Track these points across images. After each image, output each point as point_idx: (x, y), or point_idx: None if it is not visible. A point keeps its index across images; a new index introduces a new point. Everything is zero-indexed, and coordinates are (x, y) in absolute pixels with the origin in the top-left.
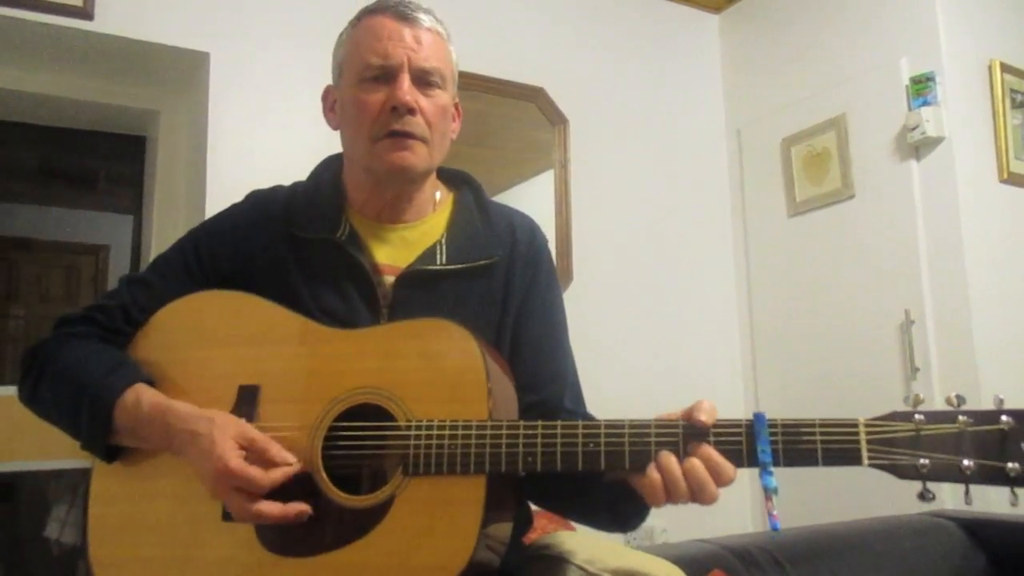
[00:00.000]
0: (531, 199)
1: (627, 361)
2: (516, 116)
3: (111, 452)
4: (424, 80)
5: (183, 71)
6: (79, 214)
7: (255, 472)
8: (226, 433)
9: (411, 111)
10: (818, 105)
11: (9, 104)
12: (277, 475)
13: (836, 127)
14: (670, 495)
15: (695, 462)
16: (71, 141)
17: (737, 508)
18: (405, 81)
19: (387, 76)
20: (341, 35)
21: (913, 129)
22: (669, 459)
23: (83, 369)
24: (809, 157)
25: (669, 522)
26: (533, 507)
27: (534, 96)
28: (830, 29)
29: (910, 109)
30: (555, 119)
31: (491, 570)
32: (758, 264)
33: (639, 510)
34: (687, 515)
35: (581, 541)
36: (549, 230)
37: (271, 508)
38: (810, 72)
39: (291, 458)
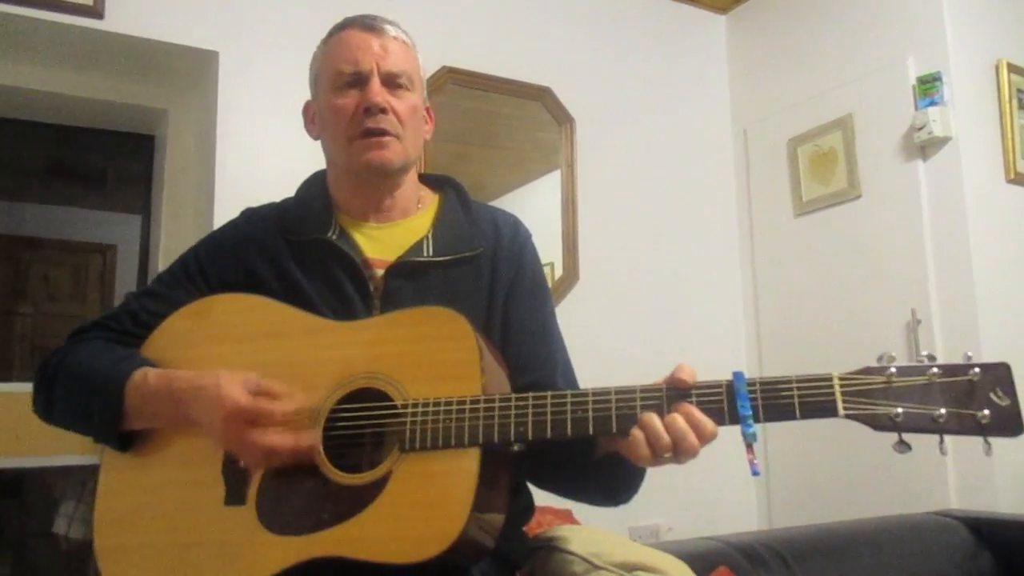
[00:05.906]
0: (538, 199)
1: (633, 360)
2: (522, 116)
3: (124, 440)
4: (393, 82)
5: (192, 70)
6: (87, 213)
7: (266, 403)
8: (231, 379)
9: (383, 110)
10: (825, 105)
11: (18, 102)
12: (288, 406)
13: (843, 127)
14: (653, 449)
15: (676, 416)
16: (80, 140)
17: (743, 507)
18: (375, 84)
19: (358, 81)
20: (315, 52)
21: (920, 129)
22: (651, 416)
23: (93, 364)
24: (815, 157)
25: (675, 520)
26: (533, 496)
27: (540, 96)
28: (836, 29)
29: (917, 109)
30: (562, 119)
31: (492, 556)
32: (764, 264)
33: (629, 481)
34: (693, 513)
35: (587, 535)
36: (555, 230)
37: (284, 439)
38: (816, 72)
39: (298, 393)
